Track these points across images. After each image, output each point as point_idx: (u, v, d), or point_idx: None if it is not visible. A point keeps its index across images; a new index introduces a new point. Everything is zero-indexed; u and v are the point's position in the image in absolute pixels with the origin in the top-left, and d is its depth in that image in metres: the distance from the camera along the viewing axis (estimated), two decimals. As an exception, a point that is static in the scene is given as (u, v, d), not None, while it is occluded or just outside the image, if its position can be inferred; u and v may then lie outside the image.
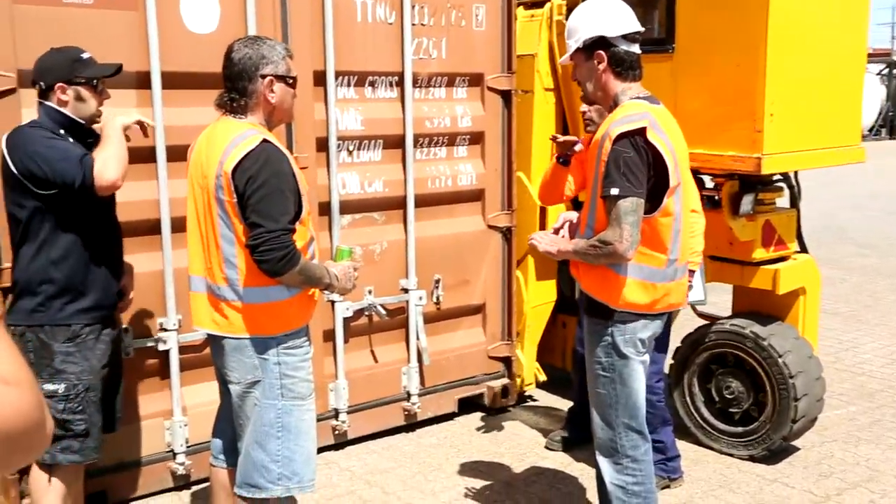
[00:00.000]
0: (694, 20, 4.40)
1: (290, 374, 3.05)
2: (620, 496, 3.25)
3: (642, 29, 3.17)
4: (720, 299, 5.64)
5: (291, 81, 3.07)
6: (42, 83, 3.22)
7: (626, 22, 3.12)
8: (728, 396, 4.64)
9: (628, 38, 3.11)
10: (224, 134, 2.95)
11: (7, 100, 3.54)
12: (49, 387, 3.17)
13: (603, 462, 3.29)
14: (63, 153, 3.09)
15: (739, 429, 4.63)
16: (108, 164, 3.11)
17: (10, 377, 0.92)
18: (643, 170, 2.97)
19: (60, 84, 3.19)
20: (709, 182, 4.71)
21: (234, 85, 2.98)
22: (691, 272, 3.94)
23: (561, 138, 3.62)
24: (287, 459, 3.08)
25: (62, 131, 3.20)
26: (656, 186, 3.01)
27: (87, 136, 3.33)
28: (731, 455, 4.62)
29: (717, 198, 4.54)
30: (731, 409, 4.66)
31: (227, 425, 3.29)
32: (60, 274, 3.21)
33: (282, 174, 2.90)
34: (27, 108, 3.57)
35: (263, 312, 3.00)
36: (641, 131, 2.97)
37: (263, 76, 2.96)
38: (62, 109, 3.22)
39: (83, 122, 3.28)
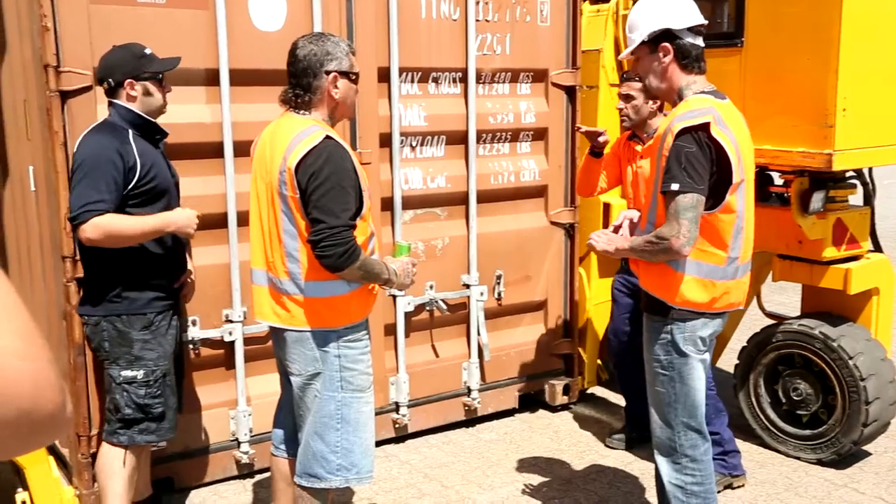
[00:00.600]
0: (764, 13, 4.30)
1: (349, 366, 3.09)
2: (679, 496, 3.20)
3: (706, 21, 3.11)
4: (790, 300, 5.50)
5: (354, 77, 3.10)
6: (110, 80, 3.32)
7: (691, 14, 3.08)
8: (796, 398, 4.53)
9: (693, 30, 3.07)
10: (288, 130, 2.99)
11: (84, 97, 3.66)
12: (128, 373, 3.34)
13: (661, 461, 3.25)
14: (89, 183, 3.20)
15: (807, 431, 4.52)
16: (107, 228, 3.21)
17: (28, 354, 0.90)
18: (705, 166, 2.92)
19: (129, 80, 3.30)
20: (777, 179, 4.60)
21: (299, 81, 3.02)
22: None
23: (584, 129, 3.62)
24: (346, 451, 3.12)
25: (132, 130, 3.32)
26: (718, 183, 2.96)
27: (155, 132, 3.44)
28: (798, 458, 4.51)
29: (785, 195, 4.43)
30: (798, 412, 4.55)
31: (288, 416, 3.35)
32: (133, 264, 3.33)
33: (344, 170, 2.93)
34: (102, 104, 3.69)
35: (324, 306, 3.05)
36: (705, 126, 2.92)
37: (328, 72, 3.00)
38: (131, 106, 3.33)
39: (151, 117, 3.40)
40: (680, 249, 2.92)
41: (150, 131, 3.42)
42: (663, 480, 3.26)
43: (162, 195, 3.41)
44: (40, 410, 0.89)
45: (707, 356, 3.18)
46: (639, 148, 4.25)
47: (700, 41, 3.09)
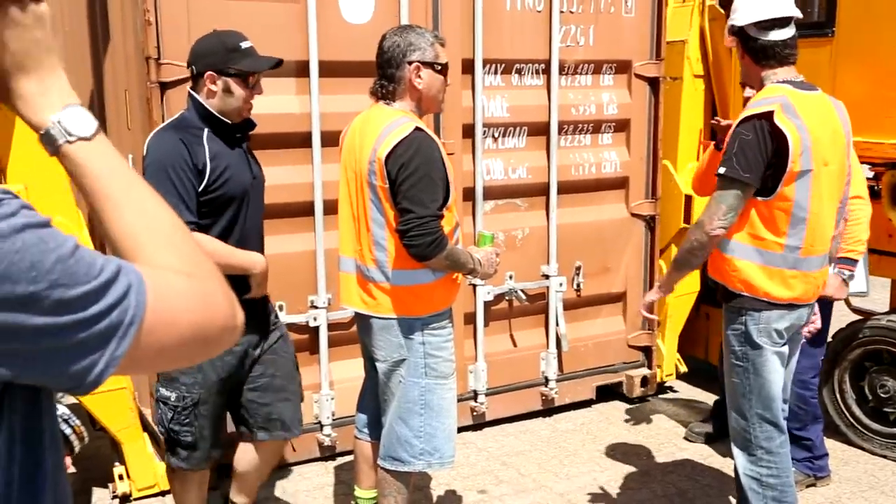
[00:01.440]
0: (856, 2, 4.21)
1: (433, 353, 3.16)
2: (755, 488, 3.20)
3: (778, 15, 3.04)
4: (879, 296, 5.38)
5: (440, 68, 3.10)
6: (194, 67, 3.01)
7: (758, 9, 3.04)
8: (883, 395, 4.45)
9: (760, 25, 3.04)
10: (378, 121, 3.06)
11: (182, 88, 3.79)
12: (163, 392, 3.09)
13: (737, 453, 3.25)
14: (163, 192, 3.15)
15: (895, 430, 4.42)
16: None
17: (194, 272, 0.98)
18: (758, 154, 2.92)
19: (211, 73, 2.96)
20: (867, 171, 4.50)
21: (384, 72, 3.09)
22: (854, 261, 3.80)
23: (723, 122, 3.52)
24: (429, 436, 3.20)
25: (208, 128, 3.00)
26: (777, 170, 2.94)
27: (232, 130, 3.08)
28: (884, 457, 4.43)
29: (876, 188, 4.34)
30: (885, 409, 4.46)
31: (372, 400, 3.44)
32: None
33: (432, 161, 2.99)
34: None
35: (410, 294, 3.12)
36: (768, 115, 2.91)
37: (410, 62, 3.04)
38: (207, 103, 2.99)
39: (226, 118, 3.02)
40: (709, 231, 2.99)
41: (227, 130, 3.05)
42: (739, 472, 3.25)
43: (228, 204, 3.01)
44: (212, 323, 0.98)
45: (785, 349, 3.15)
46: None
47: (776, 34, 3.03)
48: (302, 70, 4.11)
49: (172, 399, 3.08)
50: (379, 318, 3.17)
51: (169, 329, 0.93)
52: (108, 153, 1.00)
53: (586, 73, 4.97)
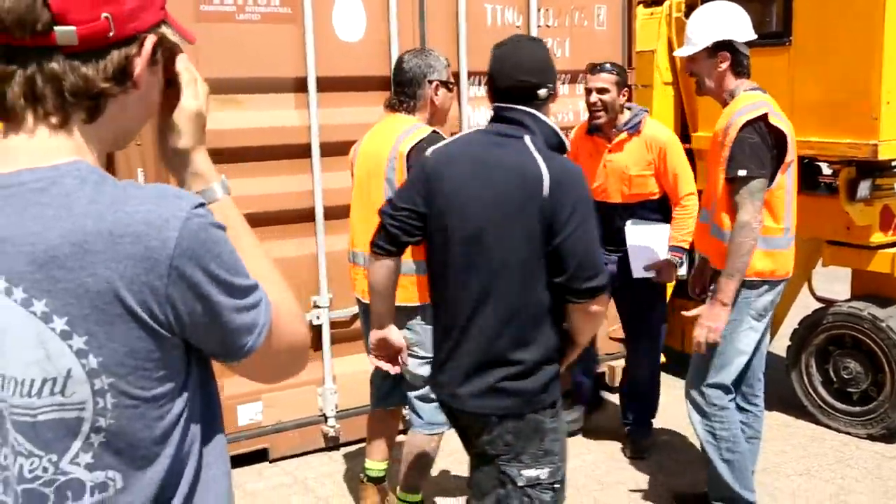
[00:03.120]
0: (811, 13, 4.57)
1: None
2: (711, 441, 3.61)
3: (756, 36, 3.52)
4: (843, 288, 5.73)
5: (452, 86, 3.60)
6: (550, 86, 2.60)
7: (749, 29, 3.48)
8: (846, 377, 4.79)
9: (748, 43, 3.48)
10: (397, 125, 3.45)
11: (190, 104, 4.08)
12: (531, 473, 2.51)
13: (692, 412, 3.65)
14: None
15: (857, 408, 4.77)
16: None
17: (294, 300, 1.27)
18: (766, 152, 3.31)
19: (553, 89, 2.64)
20: (826, 169, 4.87)
21: (404, 89, 3.47)
22: (684, 250, 4.29)
23: None
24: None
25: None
26: (776, 163, 3.36)
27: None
28: (849, 434, 4.77)
29: (834, 184, 4.70)
30: (849, 389, 4.80)
31: (387, 376, 3.67)
32: None
33: None
34: (206, 111, 4.12)
35: (425, 283, 3.40)
36: (763, 117, 3.31)
37: (430, 81, 3.46)
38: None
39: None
40: (757, 228, 3.30)
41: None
42: (696, 430, 3.66)
43: None
44: (305, 343, 1.30)
45: (762, 327, 3.52)
46: (610, 141, 4.45)
47: (747, 50, 3.50)
48: (300, 86, 4.40)
49: (545, 475, 2.58)
50: (404, 307, 3.42)
51: (280, 339, 1.21)
52: (235, 208, 1.30)
53: (564, 83, 5.29)
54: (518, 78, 2.52)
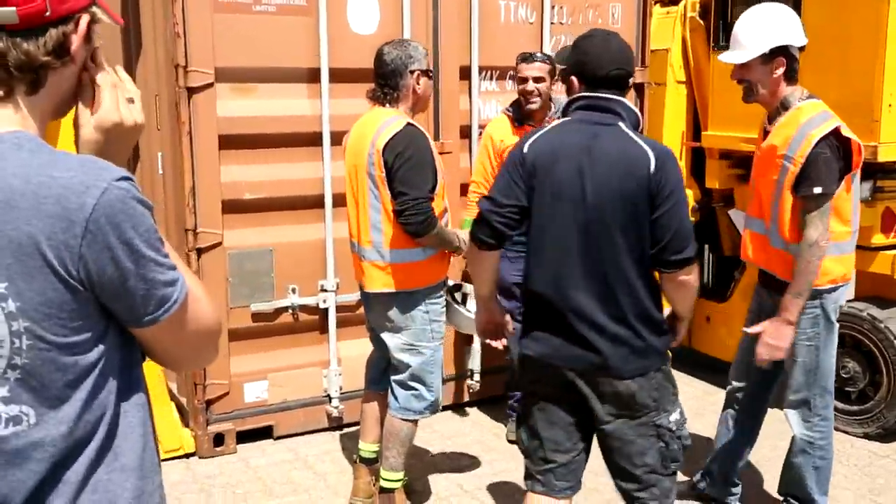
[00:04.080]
0: (817, 16, 4.61)
1: (436, 319, 3.67)
2: (807, 450, 3.62)
3: (805, 42, 3.42)
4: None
5: (431, 74, 3.67)
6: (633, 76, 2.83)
7: (802, 33, 3.40)
8: (844, 376, 4.83)
9: (801, 48, 3.41)
10: (375, 119, 3.54)
11: (206, 93, 4.26)
12: (675, 416, 2.76)
13: (796, 420, 3.63)
14: None
15: (855, 407, 4.82)
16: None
17: (201, 294, 1.37)
18: (837, 167, 3.29)
19: None
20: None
21: (387, 81, 3.55)
22: None
23: None
24: (437, 389, 3.75)
25: None
26: (843, 173, 3.34)
27: None
28: (846, 432, 4.81)
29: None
30: (847, 389, 4.85)
31: (379, 360, 3.90)
32: None
33: (424, 150, 3.47)
34: (221, 100, 4.30)
35: (407, 270, 3.56)
36: (836, 131, 3.28)
37: (412, 71, 3.54)
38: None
39: None
40: (825, 245, 3.29)
41: None
42: (795, 436, 3.65)
43: None
44: (216, 325, 1.42)
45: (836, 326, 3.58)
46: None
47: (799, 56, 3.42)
48: (314, 76, 4.56)
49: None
50: (381, 293, 3.60)
51: (194, 319, 1.34)
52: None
53: (576, 80, 5.38)
54: (616, 68, 2.67)
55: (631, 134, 2.64)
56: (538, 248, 2.72)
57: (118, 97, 1.37)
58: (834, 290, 3.48)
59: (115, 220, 1.20)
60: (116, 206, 1.20)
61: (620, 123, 2.66)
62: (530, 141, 2.72)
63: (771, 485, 3.89)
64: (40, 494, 1.21)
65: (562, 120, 2.76)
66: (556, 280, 2.67)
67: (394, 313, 3.61)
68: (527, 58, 4.39)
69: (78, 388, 1.23)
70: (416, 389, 3.70)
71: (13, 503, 1.20)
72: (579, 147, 2.63)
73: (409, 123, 3.48)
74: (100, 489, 1.26)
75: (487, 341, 3.17)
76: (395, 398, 3.72)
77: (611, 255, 2.61)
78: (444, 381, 4.93)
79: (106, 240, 1.20)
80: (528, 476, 2.88)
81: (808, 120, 3.32)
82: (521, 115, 4.45)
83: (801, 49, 3.41)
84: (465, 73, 4.99)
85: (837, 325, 3.56)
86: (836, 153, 3.28)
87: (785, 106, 3.42)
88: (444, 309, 3.74)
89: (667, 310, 2.84)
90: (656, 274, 2.70)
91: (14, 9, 1.22)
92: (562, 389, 2.74)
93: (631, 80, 2.78)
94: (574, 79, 2.74)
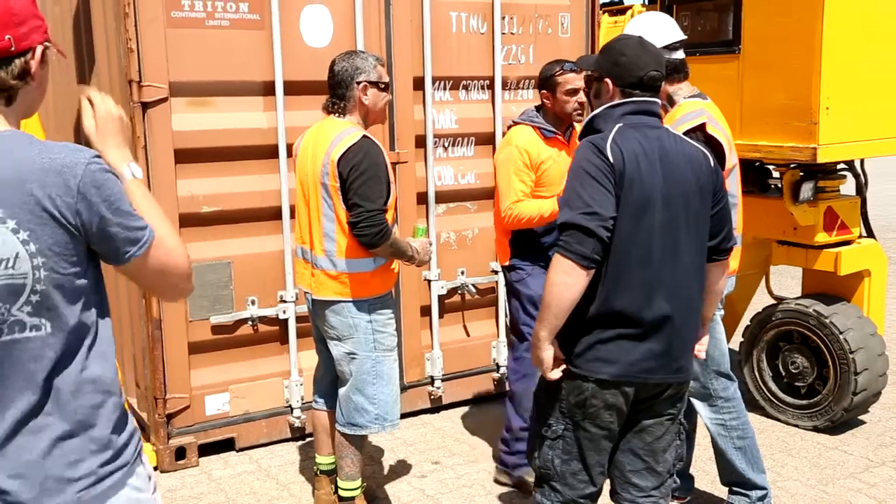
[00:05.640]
0: (758, 24, 4.78)
1: (380, 329, 3.65)
2: (721, 432, 3.77)
3: (683, 37, 3.64)
4: (791, 283, 5.93)
5: (383, 86, 3.64)
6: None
7: (667, 33, 3.60)
8: (794, 371, 4.99)
9: (670, 47, 3.57)
10: (330, 130, 3.57)
11: (160, 107, 4.28)
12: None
13: (700, 407, 3.80)
14: None
15: (804, 401, 4.97)
16: None
17: (173, 238, 1.84)
18: None
19: None
20: (775, 172, 5.07)
21: (335, 91, 3.59)
22: None
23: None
24: (381, 402, 3.68)
25: None
26: None
27: None
28: (796, 426, 4.96)
29: (778, 185, 4.90)
30: (796, 384, 5.00)
31: (324, 376, 3.92)
32: None
33: (379, 164, 3.50)
34: (176, 114, 4.32)
35: (355, 280, 3.58)
36: (701, 127, 3.47)
37: (358, 83, 3.55)
38: None
39: None
40: None
41: None
42: (706, 423, 3.81)
43: None
44: (183, 266, 1.87)
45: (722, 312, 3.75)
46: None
47: (679, 54, 3.62)
48: (269, 89, 4.60)
49: None
50: (330, 301, 3.62)
51: (160, 258, 1.81)
52: (141, 187, 1.90)
53: (528, 88, 5.49)
54: (654, 69, 2.73)
55: (681, 135, 2.79)
56: (620, 258, 2.60)
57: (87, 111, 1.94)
58: None
59: (96, 184, 1.70)
60: (96, 175, 1.71)
61: (665, 125, 2.79)
62: (608, 148, 2.59)
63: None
64: (50, 380, 1.71)
65: (618, 126, 2.65)
66: (646, 288, 2.61)
67: (338, 321, 3.62)
68: (572, 67, 3.99)
69: (75, 304, 1.74)
70: (357, 402, 3.66)
71: (33, 386, 1.70)
72: (653, 152, 2.63)
73: (364, 136, 3.51)
74: (92, 374, 1.77)
75: (551, 375, 2.72)
76: (341, 412, 3.73)
77: (693, 258, 2.71)
78: (406, 389, 5.06)
79: (91, 198, 1.69)
80: (570, 502, 2.78)
81: (680, 117, 3.54)
82: (558, 124, 4.10)
83: (673, 48, 3.59)
84: (418, 84, 5.06)
85: (722, 312, 3.74)
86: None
87: (672, 103, 3.66)
88: (392, 320, 3.72)
89: None
90: None
91: None
92: (624, 409, 2.70)
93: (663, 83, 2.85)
94: (609, 82, 2.73)
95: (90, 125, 1.93)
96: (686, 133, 3.38)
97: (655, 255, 2.62)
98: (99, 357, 1.80)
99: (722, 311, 3.75)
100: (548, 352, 2.66)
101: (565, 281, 2.55)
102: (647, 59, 2.71)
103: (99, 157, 1.75)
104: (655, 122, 2.73)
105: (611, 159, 2.57)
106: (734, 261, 3.61)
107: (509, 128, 4.25)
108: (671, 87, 3.62)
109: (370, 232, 3.43)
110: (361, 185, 3.44)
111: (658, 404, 2.75)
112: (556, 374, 2.70)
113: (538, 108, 4.17)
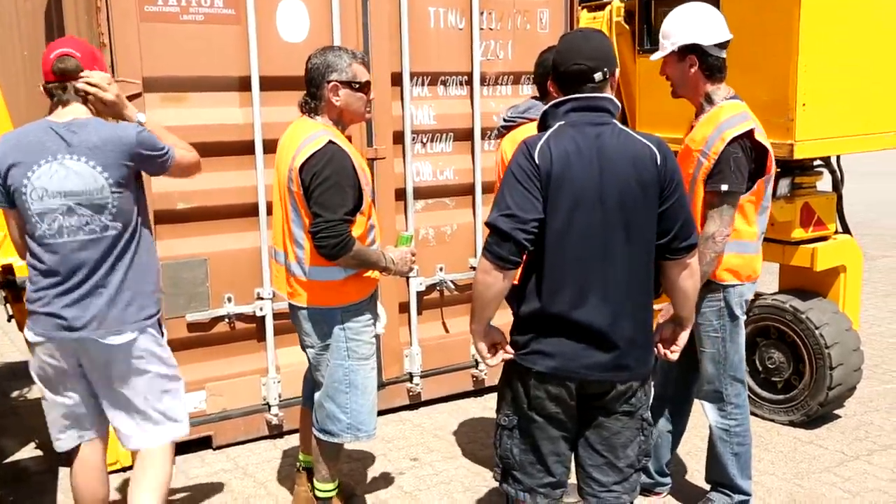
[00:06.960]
0: (735, 21, 4.75)
1: (354, 338, 3.53)
2: (724, 437, 3.77)
3: (731, 37, 3.54)
4: (768, 278, 5.96)
5: (357, 86, 3.44)
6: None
7: (720, 31, 3.51)
8: (770, 366, 5.01)
9: (720, 45, 3.50)
10: (298, 134, 3.43)
11: (134, 104, 4.18)
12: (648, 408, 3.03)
13: (710, 409, 3.78)
14: None
15: (780, 396, 4.99)
16: None
17: (187, 152, 3.36)
18: (747, 167, 3.46)
19: None
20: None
21: (308, 89, 3.46)
22: None
23: None
24: (354, 411, 3.59)
25: None
26: (754, 175, 3.51)
27: None
28: (772, 421, 4.99)
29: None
30: (773, 379, 5.02)
31: (308, 381, 3.89)
32: None
33: (343, 171, 3.33)
34: (151, 110, 4.27)
35: (325, 288, 3.48)
36: (749, 134, 3.44)
37: (329, 82, 3.39)
38: None
39: None
40: (723, 240, 3.45)
41: None
42: (711, 425, 3.80)
43: None
44: (196, 161, 3.40)
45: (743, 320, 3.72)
46: None
47: (724, 53, 3.53)
48: (244, 85, 4.56)
49: None
50: (303, 307, 3.53)
51: (183, 161, 3.31)
52: (153, 127, 3.28)
53: (506, 84, 5.48)
54: (579, 65, 2.63)
55: (628, 130, 2.67)
56: (554, 258, 2.61)
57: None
58: (736, 286, 3.62)
59: (143, 143, 3.11)
60: (144, 137, 3.13)
61: (614, 121, 2.68)
62: (536, 150, 2.60)
63: (701, 474, 4.02)
64: (118, 262, 3.14)
65: (558, 125, 2.66)
66: (580, 287, 2.61)
67: (310, 328, 3.54)
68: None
69: (133, 215, 3.15)
70: (329, 409, 3.59)
71: (101, 268, 3.10)
72: (589, 150, 2.59)
73: (330, 141, 3.32)
74: (143, 258, 3.23)
75: (489, 362, 2.85)
76: (316, 417, 3.67)
77: (633, 257, 2.64)
78: (384, 385, 5.04)
79: (142, 152, 3.11)
80: (530, 490, 2.81)
81: (726, 119, 3.47)
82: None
83: (722, 46, 3.51)
84: (396, 80, 5.03)
85: (744, 318, 3.70)
86: (747, 154, 3.44)
87: (710, 102, 3.57)
88: (368, 328, 3.60)
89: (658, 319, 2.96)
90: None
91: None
92: (569, 400, 2.71)
93: (600, 76, 2.64)
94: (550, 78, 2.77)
95: (111, 97, 3.15)
96: (733, 140, 3.39)
97: (590, 253, 2.61)
98: (148, 254, 3.25)
99: (743, 317, 3.71)
100: (481, 343, 2.81)
101: (486, 280, 2.64)
102: (572, 55, 2.65)
103: (141, 124, 3.18)
104: (601, 119, 2.64)
105: (537, 161, 2.57)
106: (743, 265, 3.60)
107: (506, 122, 4.04)
108: (711, 86, 3.55)
109: (329, 243, 3.28)
110: (321, 193, 3.28)
111: (609, 402, 2.73)
112: (494, 360, 2.81)
113: (538, 100, 3.99)
